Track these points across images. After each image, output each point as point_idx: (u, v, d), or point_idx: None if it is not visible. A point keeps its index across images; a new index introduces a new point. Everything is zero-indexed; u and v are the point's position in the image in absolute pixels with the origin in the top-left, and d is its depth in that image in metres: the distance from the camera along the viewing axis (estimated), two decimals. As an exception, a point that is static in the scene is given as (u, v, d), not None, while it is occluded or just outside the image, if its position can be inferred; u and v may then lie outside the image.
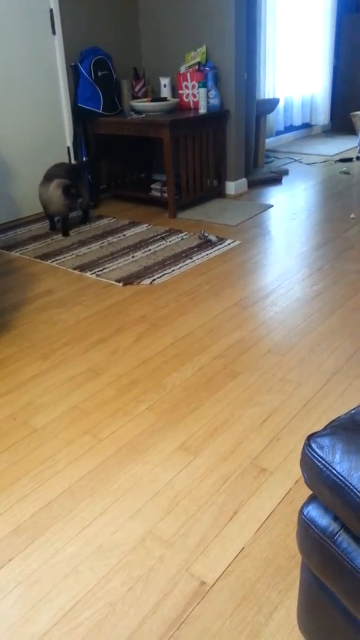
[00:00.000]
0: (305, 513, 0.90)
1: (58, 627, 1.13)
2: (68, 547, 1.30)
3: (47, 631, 1.12)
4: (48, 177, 3.43)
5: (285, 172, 4.73)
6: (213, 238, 3.22)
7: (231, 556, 1.25)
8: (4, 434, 1.71)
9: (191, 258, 3.00)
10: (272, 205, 3.87)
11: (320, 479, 0.83)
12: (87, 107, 3.87)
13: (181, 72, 3.98)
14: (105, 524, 1.36)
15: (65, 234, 3.44)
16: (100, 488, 1.48)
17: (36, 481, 1.51)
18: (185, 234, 3.37)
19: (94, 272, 2.88)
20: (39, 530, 1.35)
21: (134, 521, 1.36)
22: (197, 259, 2.98)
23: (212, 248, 3.13)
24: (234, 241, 3.21)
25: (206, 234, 3.24)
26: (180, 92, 4.02)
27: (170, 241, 3.28)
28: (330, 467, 0.81)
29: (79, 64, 3.80)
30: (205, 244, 3.20)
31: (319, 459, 0.83)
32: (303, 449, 0.87)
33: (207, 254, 3.04)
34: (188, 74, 3.91)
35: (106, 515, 1.39)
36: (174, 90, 4.16)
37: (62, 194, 3.30)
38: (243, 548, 1.27)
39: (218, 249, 3.10)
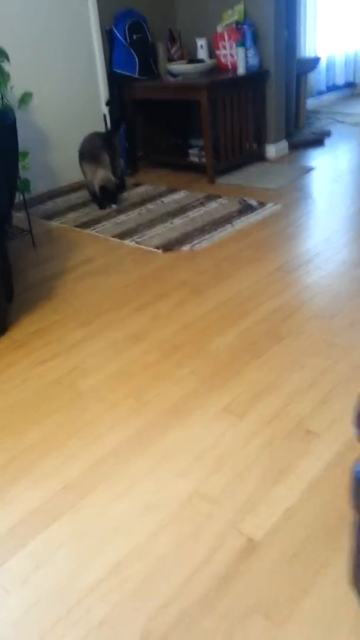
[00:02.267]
0: (357, 471, 0.88)
1: (109, 579, 1.15)
2: (116, 505, 1.33)
3: (98, 583, 1.15)
4: (88, 156, 3.38)
5: (328, 134, 4.56)
6: (253, 203, 3.15)
7: (279, 515, 1.25)
8: (51, 398, 1.74)
9: (231, 223, 2.95)
10: (314, 168, 3.75)
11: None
12: (122, 71, 3.80)
13: (218, 31, 3.85)
14: (152, 482, 1.38)
15: (102, 207, 3.41)
16: (146, 448, 1.49)
17: (84, 442, 1.54)
18: (225, 200, 3.31)
19: (133, 240, 2.87)
20: (88, 488, 1.38)
21: (181, 480, 1.37)
22: (237, 224, 2.93)
23: (253, 213, 3.06)
24: (275, 205, 3.13)
25: (246, 199, 3.17)
26: (218, 52, 3.90)
27: (209, 207, 3.22)
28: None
29: (113, 28, 3.72)
30: (245, 208, 3.13)
31: (375, 412, 0.81)
32: (356, 406, 0.85)
33: (247, 219, 2.98)
34: (225, 34, 3.78)
35: (153, 474, 1.40)
36: (211, 51, 4.03)
37: (100, 191, 3.31)
38: (291, 507, 1.27)
39: (258, 214, 3.04)
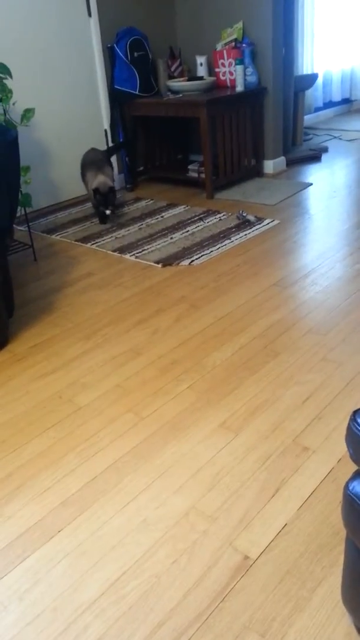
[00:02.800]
0: (350, 488, 0.90)
1: (106, 596, 1.17)
2: (114, 520, 1.34)
3: (95, 600, 1.16)
4: (90, 163, 3.43)
5: (325, 150, 4.62)
6: (251, 218, 3.19)
7: (274, 532, 1.27)
8: (50, 412, 1.76)
9: (229, 238, 2.98)
10: (311, 184, 3.80)
11: (367, 454, 0.82)
12: (123, 88, 3.86)
13: (217, 49, 3.92)
14: (149, 498, 1.39)
15: (103, 221, 3.45)
16: (144, 464, 1.51)
17: (82, 457, 1.56)
18: (223, 215, 3.35)
19: (133, 254, 2.90)
20: (86, 504, 1.40)
21: (177, 496, 1.39)
22: (236, 239, 2.96)
23: (251, 228, 3.10)
24: (273, 221, 3.17)
25: (244, 214, 3.21)
26: (217, 70, 3.96)
27: (208, 222, 3.26)
28: (377, 442, 0.81)
29: (114, 46, 3.78)
30: (244, 224, 3.17)
31: (366, 434, 0.83)
32: (349, 424, 0.87)
33: (245, 234, 3.02)
34: (224, 52, 3.85)
35: (150, 491, 1.42)
36: (211, 69, 4.10)
37: (94, 194, 3.31)
38: (286, 524, 1.28)
39: (256, 229, 3.07)
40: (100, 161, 3.44)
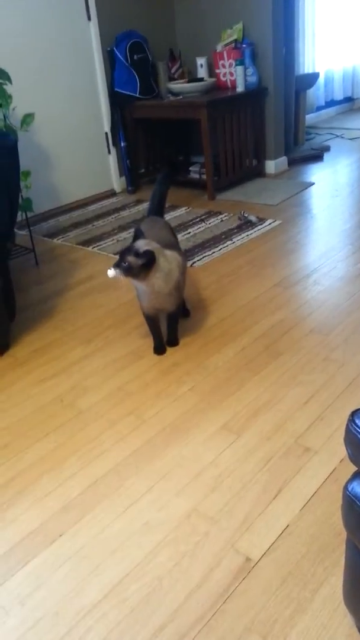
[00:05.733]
0: (349, 489, 0.89)
1: (107, 600, 1.16)
2: (115, 524, 1.34)
3: (96, 603, 1.16)
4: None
5: (327, 149, 4.61)
6: (253, 218, 3.19)
7: (276, 533, 1.26)
8: (51, 416, 1.76)
9: (231, 239, 2.98)
10: (313, 183, 3.79)
11: (364, 455, 0.82)
12: (124, 91, 3.87)
13: (217, 50, 3.92)
14: (151, 501, 1.39)
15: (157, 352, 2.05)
16: (145, 467, 1.50)
17: (83, 460, 1.55)
18: (225, 216, 3.35)
19: (135, 257, 2.89)
20: (87, 508, 1.40)
21: (179, 499, 1.38)
22: (237, 240, 2.96)
23: (253, 229, 3.09)
24: (275, 221, 3.16)
25: (246, 215, 3.21)
26: (217, 71, 3.96)
27: (210, 223, 3.26)
28: (374, 443, 0.80)
29: (114, 49, 3.79)
30: (246, 224, 3.16)
31: (363, 434, 0.82)
32: (347, 424, 0.86)
33: (247, 235, 3.01)
34: (225, 53, 3.84)
35: (152, 493, 1.41)
36: (211, 70, 4.10)
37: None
38: (288, 525, 1.27)
39: (258, 230, 3.07)
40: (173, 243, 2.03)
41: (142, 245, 1.78)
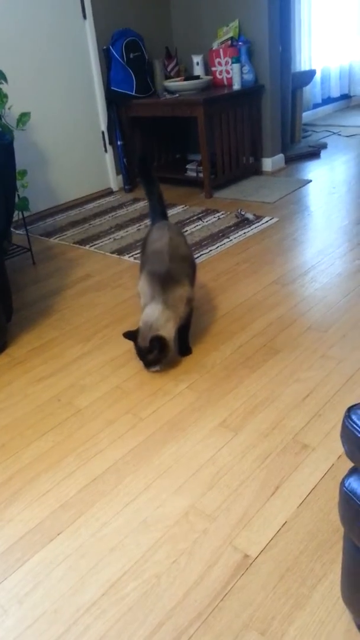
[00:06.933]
0: (346, 485, 0.89)
1: (106, 598, 1.16)
2: (113, 522, 1.34)
3: (95, 601, 1.16)
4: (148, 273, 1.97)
5: (324, 146, 4.60)
6: (250, 216, 3.18)
7: (274, 530, 1.26)
8: (49, 415, 1.76)
9: (228, 237, 2.97)
10: (310, 180, 3.79)
11: (360, 450, 0.82)
12: (120, 90, 3.86)
13: (214, 48, 3.91)
14: (149, 499, 1.39)
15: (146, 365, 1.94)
16: (143, 465, 1.50)
17: (81, 459, 1.55)
18: (222, 214, 3.34)
19: (132, 255, 2.90)
20: (85, 506, 1.39)
21: (177, 496, 1.39)
22: (235, 238, 2.96)
23: (250, 226, 3.09)
24: (272, 218, 3.16)
25: (243, 212, 3.20)
26: (214, 69, 3.96)
27: (207, 221, 3.26)
28: (370, 438, 0.80)
29: (110, 47, 3.78)
30: (243, 222, 3.16)
31: None
32: (343, 420, 0.87)
33: (244, 233, 3.01)
34: (221, 50, 3.84)
35: (150, 491, 1.41)
36: (207, 68, 4.09)
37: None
38: (286, 522, 1.28)
39: (255, 227, 3.07)
40: (170, 273, 1.88)
41: (146, 335, 1.81)
